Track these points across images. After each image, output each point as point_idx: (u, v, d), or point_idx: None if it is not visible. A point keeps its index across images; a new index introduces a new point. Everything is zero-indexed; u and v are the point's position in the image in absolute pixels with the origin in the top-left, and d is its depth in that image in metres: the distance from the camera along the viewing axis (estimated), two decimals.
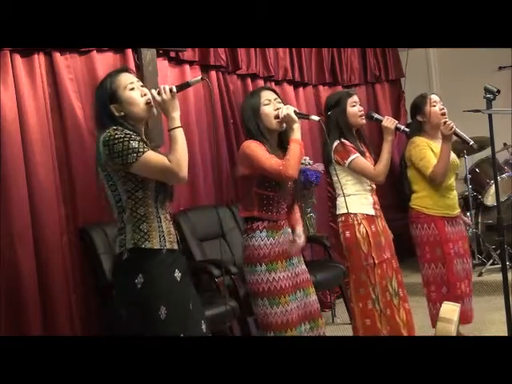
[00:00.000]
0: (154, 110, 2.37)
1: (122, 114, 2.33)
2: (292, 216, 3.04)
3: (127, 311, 2.30)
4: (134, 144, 2.23)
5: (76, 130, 3.65)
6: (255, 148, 2.81)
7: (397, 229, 3.78)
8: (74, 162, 3.64)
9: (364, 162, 3.36)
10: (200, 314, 2.45)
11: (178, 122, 2.32)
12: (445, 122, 3.46)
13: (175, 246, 2.38)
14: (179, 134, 2.31)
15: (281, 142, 2.92)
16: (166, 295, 2.28)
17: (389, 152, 3.36)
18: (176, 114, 2.33)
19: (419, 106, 3.67)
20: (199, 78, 2.47)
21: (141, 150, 2.23)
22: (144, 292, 2.25)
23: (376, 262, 3.31)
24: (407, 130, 3.42)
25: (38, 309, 3.35)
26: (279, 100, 2.92)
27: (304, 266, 2.99)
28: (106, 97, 2.33)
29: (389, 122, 3.38)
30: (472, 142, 3.50)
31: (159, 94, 2.33)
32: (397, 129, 3.37)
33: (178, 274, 2.34)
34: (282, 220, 2.91)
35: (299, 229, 3.02)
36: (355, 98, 3.44)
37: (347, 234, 3.35)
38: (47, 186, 3.47)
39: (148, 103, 2.34)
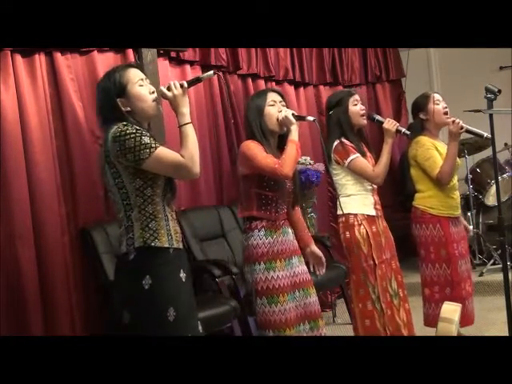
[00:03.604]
0: (161, 108, 2.35)
1: (128, 109, 2.28)
2: (294, 219, 3.07)
3: (133, 313, 2.25)
4: (147, 139, 2.20)
5: (77, 130, 3.65)
6: (253, 147, 2.86)
7: (396, 229, 3.75)
8: (74, 162, 3.64)
9: (363, 162, 3.33)
10: (196, 314, 2.43)
11: (188, 118, 2.30)
12: (453, 121, 3.44)
13: (181, 245, 2.35)
14: (190, 130, 2.29)
15: (280, 145, 2.96)
16: (174, 296, 2.26)
17: (388, 154, 3.32)
18: (186, 110, 2.30)
19: (422, 103, 3.63)
20: (211, 72, 2.43)
21: (153, 145, 2.20)
22: (152, 293, 2.22)
23: (376, 262, 3.30)
24: (408, 132, 3.37)
25: (38, 309, 3.35)
26: (284, 103, 2.99)
27: (305, 267, 3.03)
28: (113, 90, 2.28)
29: (390, 124, 3.33)
30: (486, 135, 3.39)
31: (169, 89, 2.29)
32: (397, 131, 3.33)
33: (183, 275, 2.31)
34: (280, 220, 2.95)
35: (314, 247, 3.13)
36: (357, 96, 3.42)
37: (347, 234, 3.34)
38: (48, 186, 3.47)
39: (155, 101, 2.31)
